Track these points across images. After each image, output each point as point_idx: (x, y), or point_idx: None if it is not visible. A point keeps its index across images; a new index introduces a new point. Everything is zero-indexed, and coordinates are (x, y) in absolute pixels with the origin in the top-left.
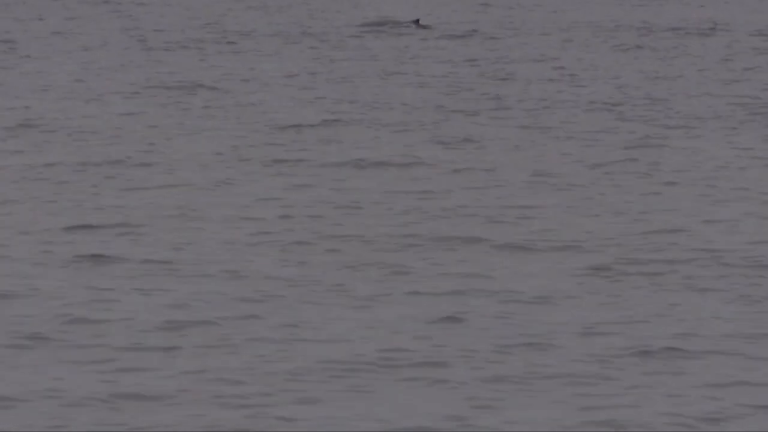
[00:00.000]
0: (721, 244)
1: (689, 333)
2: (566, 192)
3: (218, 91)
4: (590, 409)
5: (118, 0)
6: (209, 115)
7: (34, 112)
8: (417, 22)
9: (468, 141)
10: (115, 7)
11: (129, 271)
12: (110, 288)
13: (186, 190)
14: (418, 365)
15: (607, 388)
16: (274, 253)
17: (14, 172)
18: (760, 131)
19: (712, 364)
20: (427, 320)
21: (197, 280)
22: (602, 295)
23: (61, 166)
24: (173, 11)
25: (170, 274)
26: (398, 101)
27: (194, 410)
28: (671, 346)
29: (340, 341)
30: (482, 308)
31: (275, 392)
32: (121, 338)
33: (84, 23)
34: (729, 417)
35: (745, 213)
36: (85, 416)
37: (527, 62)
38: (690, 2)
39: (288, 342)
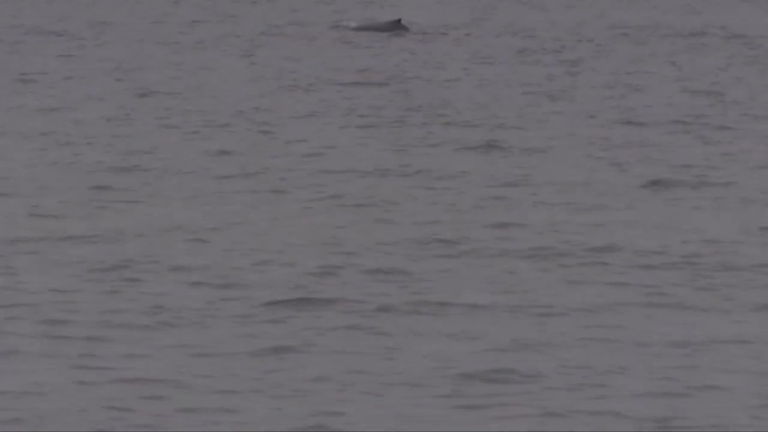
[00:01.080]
0: None
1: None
2: (612, 207)
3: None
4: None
5: None
6: (223, 119)
7: (46, 113)
8: (398, 22)
9: (499, 149)
10: (121, 3)
11: (186, 280)
12: (163, 295)
13: (211, 201)
14: (489, 381)
15: (682, 411)
16: (318, 263)
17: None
18: None
19: None
20: (494, 337)
21: (250, 294)
22: (668, 313)
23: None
24: (182, 8)
25: (213, 286)
26: (415, 107)
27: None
28: (752, 367)
29: (419, 357)
30: (543, 326)
31: (350, 410)
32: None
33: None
34: None
35: None
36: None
37: (553, 66)
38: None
39: (364, 355)
